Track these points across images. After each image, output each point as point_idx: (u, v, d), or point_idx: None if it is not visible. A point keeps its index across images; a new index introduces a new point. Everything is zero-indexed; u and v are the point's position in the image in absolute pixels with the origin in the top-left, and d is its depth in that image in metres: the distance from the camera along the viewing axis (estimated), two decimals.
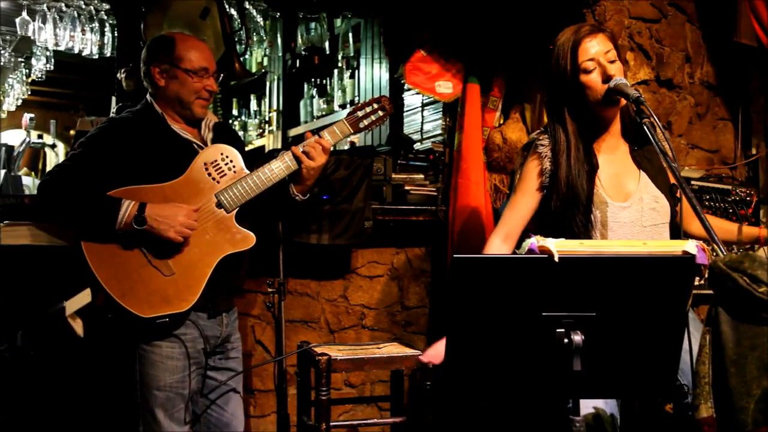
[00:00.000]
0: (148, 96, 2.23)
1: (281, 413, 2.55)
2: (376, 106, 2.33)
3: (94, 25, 4.15)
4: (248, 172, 2.17)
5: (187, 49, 2.17)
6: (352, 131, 2.28)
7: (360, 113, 2.31)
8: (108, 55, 4.24)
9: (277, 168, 2.17)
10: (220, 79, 2.28)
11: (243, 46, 4.07)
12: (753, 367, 1.34)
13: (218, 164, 2.15)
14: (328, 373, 2.28)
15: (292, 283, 2.99)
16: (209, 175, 2.13)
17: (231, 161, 2.16)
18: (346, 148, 4.32)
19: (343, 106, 4.42)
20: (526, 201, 2.03)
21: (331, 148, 2.22)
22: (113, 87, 3.92)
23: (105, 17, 4.16)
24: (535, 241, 1.49)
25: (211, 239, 2.10)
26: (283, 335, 2.55)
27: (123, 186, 2.06)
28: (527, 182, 2.03)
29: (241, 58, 3.98)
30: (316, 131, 2.24)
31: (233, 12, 3.73)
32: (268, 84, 5.12)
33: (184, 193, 2.10)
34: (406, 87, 3.54)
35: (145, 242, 2.04)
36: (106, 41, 4.20)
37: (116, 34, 4.13)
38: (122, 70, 3.99)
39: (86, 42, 4.14)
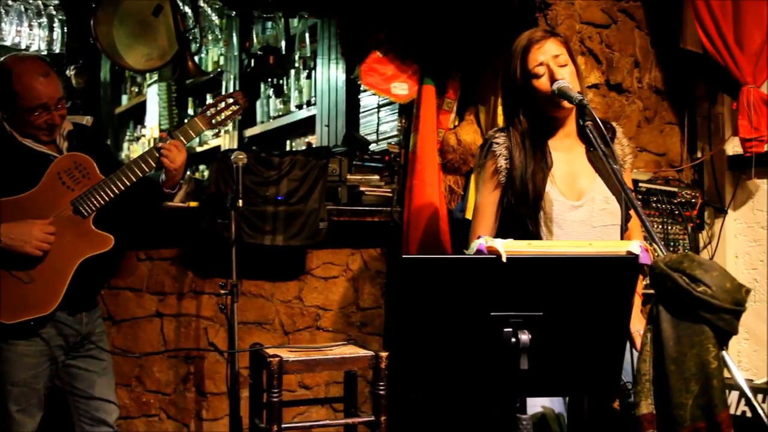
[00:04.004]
0: None
1: (234, 416, 2.53)
2: (230, 101, 2.46)
3: (42, 20, 4.04)
4: (103, 177, 2.23)
5: (23, 86, 2.14)
6: (204, 128, 2.41)
7: (213, 110, 2.44)
8: (57, 51, 4.13)
9: (132, 172, 2.24)
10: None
11: (197, 45, 4.02)
12: (692, 364, 1.38)
13: (72, 172, 2.20)
14: (280, 374, 2.26)
15: (245, 285, 2.96)
16: (63, 183, 2.20)
17: (85, 168, 2.22)
18: (302, 148, 4.31)
19: (299, 107, 4.39)
20: (489, 201, 2.07)
21: (187, 144, 2.36)
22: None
23: (54, 12, 4.05)
24: (483, 242, 1.51)
25: (70, 244, 2.18)
26: (235, 337, 2.52)
27: None
28: (487, 183, 2.08)
29: (196, 57, 3.93)
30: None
31: (187, 10, 3.68)
32: (224, 83, 5.05)
33: (40, 203, 2.16)
34: (362, 88, 3.54)
35: (1, 256, 2.10)
36: (54, 37, 4.08)
37: (65, 30, 4.03)
38: (72, 67, 3.91)
39: (33, 37, 4.03)
